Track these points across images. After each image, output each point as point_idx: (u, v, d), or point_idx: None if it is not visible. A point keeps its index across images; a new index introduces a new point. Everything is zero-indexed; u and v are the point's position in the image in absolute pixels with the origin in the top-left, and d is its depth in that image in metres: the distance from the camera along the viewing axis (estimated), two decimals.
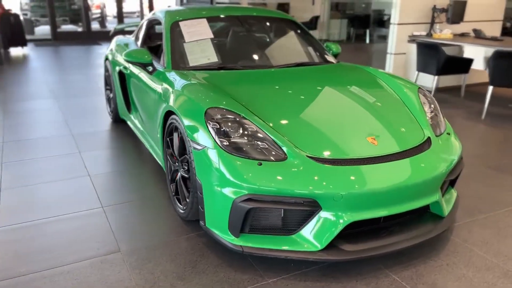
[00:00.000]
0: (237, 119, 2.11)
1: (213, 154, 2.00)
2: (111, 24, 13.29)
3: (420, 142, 2.22)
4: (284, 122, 2.18)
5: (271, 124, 2.14)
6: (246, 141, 2.04)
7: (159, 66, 2.90)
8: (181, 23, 3.09)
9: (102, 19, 13.48)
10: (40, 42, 10.61)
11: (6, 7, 9.36)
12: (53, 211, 2.54)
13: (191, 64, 2.88)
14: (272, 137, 2.05)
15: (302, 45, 3.29)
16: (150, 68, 2.90)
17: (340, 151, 2.05)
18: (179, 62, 2.90)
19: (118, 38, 4.23)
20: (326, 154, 2.02)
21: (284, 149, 2.01)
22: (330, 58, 3.12)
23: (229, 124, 2.10)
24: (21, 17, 9.54)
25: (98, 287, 1.89)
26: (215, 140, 2.02)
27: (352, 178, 1.93)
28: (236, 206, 1.91)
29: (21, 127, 4.14)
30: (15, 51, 9.11)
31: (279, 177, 1.90)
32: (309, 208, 1.91)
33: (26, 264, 2.05)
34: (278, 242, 1.95)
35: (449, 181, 2.35)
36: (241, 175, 1.91)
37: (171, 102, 2.40)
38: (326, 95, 2.57)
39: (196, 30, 3.18)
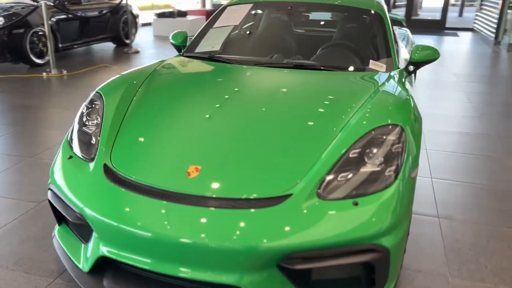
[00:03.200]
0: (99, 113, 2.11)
1: None
2: None
3: (271, 196, 1.63)
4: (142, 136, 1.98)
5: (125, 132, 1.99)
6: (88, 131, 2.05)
7: None
8: (229, 7, 3.10)
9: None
10: None
11: None
12: None
13: (196, 51, 2.98)
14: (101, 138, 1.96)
15: (359, 45, 2.96)
16: None
17: (154, 178, 1.73)
18: (193, 47, 3.04)
19: None
20: (129, 172, 1.77)
21: (98, 152, 1.90)
22: (376, 66, 2.68)
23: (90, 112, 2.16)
24: None
25: None
26: None
27: (127, 209, 1.64)
28: None
29: None
30: None
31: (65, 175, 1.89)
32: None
33: None
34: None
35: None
36: None
37: None
38: (247, 109, 2.14)
39: (232, 16, 3.10)
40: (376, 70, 2.64)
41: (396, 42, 3.25)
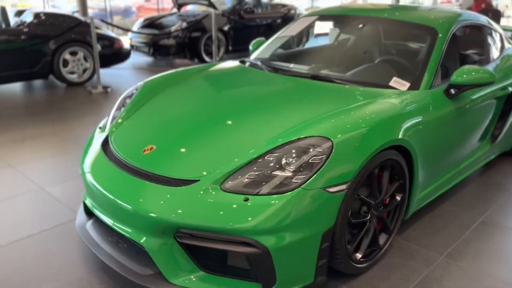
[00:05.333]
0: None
1: None
2: None
3: (185, 178, 1.93)
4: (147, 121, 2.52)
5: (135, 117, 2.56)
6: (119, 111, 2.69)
7: None
8: (302, 18, 3.44)
9: None
10: None
11: None
12: None
13: (251, 57, 3.33)
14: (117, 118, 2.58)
15: (398, 61, 2.91)
16: None
17: (124, 148, 2.26)
18: (253, 53, 3.44)
19: None
20: (114, 146, 2.32)
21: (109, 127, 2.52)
22: (398, 84, 2.54)
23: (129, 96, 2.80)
24: None
25: None
26: None
27: (100, 171, 2.19)
28: None
29: None
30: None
31: None
32: None
33: None
34: None
35: None
36: None
37: None
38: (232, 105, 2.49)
39: (298, 27, 3.31)
40: (396, 88, 2.54)
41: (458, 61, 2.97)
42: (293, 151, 1.92)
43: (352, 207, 2.09)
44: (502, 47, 3.54)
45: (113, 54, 6.99)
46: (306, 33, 4.18)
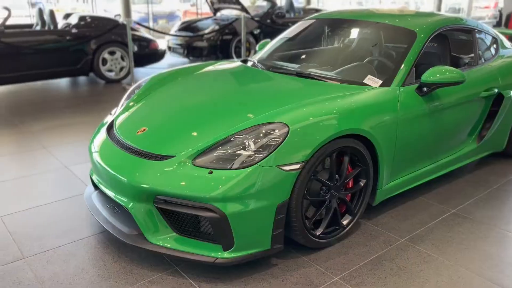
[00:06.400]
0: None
1: None
2: None
3: (164, 154, 2.31)
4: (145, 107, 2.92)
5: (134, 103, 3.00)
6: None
7: None
8: (302, 22, 3.76)
9: None
10: None
11: None
12: None
13: (252, 56, 3.65)
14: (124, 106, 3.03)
15: (377, 60, 3.16)
16: None
17: (122, 130, 2.68)
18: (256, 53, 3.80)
19: None
20: (116, 128, 2.74)
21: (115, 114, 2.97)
22: (371, 81, 2.77)
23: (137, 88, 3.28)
24: None
25: None
26: None
27: (101, 149, 2.61)
28: None
29: None
30: None
31: None
32: None
33: None
34: None
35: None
36: None
37: None
38: (216, 95, 2.86)
39: (295, 29, 3.63)
40: (369, 85, 2.78)
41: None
42: (256, 134, 2.24)
43: (312, 186, 2.38)
44: (496, 50, 3.66)
45: (149, 54, 7.57)
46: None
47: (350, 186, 2.59)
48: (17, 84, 6.92)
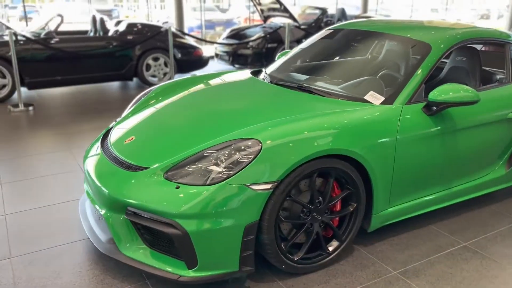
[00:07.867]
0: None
1: None
2: None
3: (139, 165, 2.29)
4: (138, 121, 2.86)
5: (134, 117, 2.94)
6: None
7: None
8: (322, 31, 3.62)
9: None
10: None
11: None
12: None
13: (265, 68, 3.54)
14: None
15: (385, 75, 2.94)
16: None
17: (114, 138, 2.67)
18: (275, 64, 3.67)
19: None
20: (110, 135, 2.75)
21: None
22: (373, 98, 2.56)
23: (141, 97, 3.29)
24: None
25: None
26: None
27: (94, 157, 2.61)
28: None
29: None
30: None
31: None
32: None
33: None
34: None
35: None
36: None
37: None
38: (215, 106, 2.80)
39: (313, 40, 3.53)
40: (370, 102, 2.59)
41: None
42: (230, 150, 2.15)
43: (293, 208, 2.24)
44: None
45: (192, 61, 7.72)
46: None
47: (338, 209, 2.42)
48: (63, 87, 7.34)
